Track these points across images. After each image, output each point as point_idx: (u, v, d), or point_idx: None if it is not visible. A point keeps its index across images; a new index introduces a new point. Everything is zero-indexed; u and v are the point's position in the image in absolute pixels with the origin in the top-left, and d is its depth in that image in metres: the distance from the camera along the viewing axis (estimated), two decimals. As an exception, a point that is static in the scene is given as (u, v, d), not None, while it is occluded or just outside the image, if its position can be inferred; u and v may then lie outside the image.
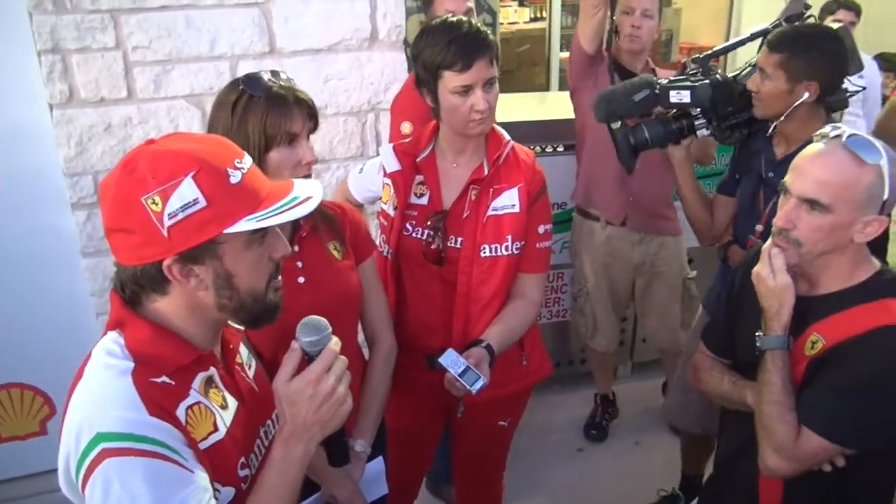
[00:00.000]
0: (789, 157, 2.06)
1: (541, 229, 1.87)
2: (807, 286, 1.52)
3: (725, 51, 2.37)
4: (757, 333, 1.52)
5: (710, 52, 2.27)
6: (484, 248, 1.80)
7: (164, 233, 0.98)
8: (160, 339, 1.06)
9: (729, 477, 1.73)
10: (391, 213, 1.86)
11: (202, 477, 1.02)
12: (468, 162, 1.85)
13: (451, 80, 1.70)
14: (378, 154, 2.49)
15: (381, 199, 1.93)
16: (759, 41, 2.19)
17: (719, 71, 2.22)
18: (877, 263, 1.51)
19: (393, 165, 1.86)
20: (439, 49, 1.69)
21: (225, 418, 1.12)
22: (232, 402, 1.15)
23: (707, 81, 2.11)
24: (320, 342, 1.10)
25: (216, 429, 1.09)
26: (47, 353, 2.58)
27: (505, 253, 1.81)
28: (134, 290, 1.07)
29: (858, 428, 1.44)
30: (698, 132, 2.21)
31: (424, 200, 1.86)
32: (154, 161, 0.99)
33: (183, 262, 1.02)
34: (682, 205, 2.42)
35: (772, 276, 1.47)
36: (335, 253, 1.65)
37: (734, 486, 1.69)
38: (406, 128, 2.23)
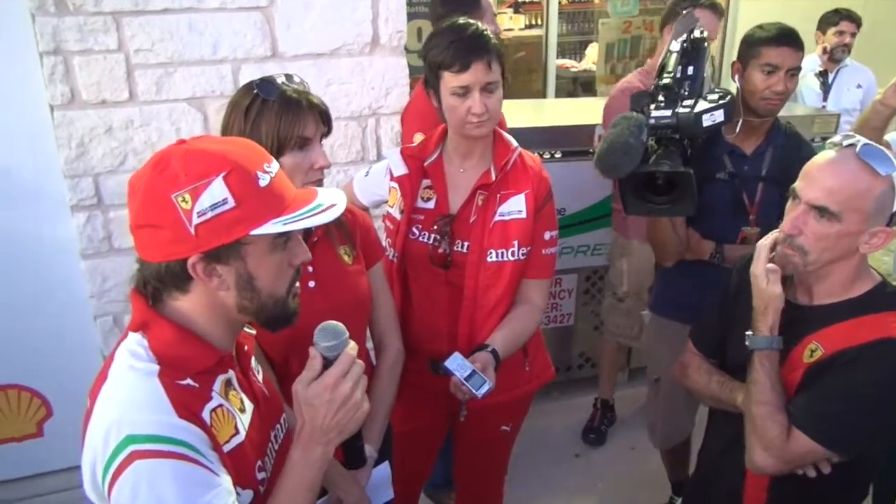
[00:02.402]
0: (762, 148, 2.16)
1: (547, 235, 1.88)
2: (807, 296, 1.53)
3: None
4: (747, 332, 1.53)
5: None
6: (490, 253, 1.81)
7: (192, 230, 0.99)
8: (184, 340, 1.07)
9: (715, 472, 1.75)
10: (397, 216, 1.86)
11: (227, 480, 1.02)
12: (475, 167, 1.86)
13: (449, 81, 1.72)
14: (378, 159, 2.48)
15: (386, 202, 1.93)
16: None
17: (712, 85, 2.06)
18: (877, 276, 1.52)
19: (400, 169, 1.86)
20: (441, 49, 1.71)
21: (244, 421, 1.12)
22: (248, 406, 1.15)
23: (730, 96, 1.88)
24: (337, 347, 1.11)
25: (237, 431, 1.09)
26: (45, 355, 2.56)
27: (511, 258, 1.81)
28: (156, 287, 1.07)
29: (849, 435, 1.45)
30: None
31: (431, 204, 1.86)
32: (187, 159, 1.00)
33: (207, 260, 1.02)
34: (656, 231, 2.25)
35: (764, 276, 1.48)
36: (346, 257, 1.65)
37: (720, 481, 1.71)
38: (418, 139, 2.23)
